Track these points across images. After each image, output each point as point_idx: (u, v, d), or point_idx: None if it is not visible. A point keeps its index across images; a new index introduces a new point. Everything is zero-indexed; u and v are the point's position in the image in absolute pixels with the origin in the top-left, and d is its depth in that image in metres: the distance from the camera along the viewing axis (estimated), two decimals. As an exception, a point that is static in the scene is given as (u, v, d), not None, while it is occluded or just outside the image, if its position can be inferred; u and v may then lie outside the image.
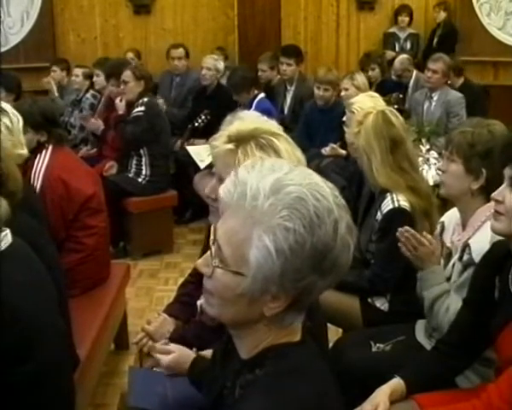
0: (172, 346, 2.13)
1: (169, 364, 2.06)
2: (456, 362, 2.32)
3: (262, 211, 1.21)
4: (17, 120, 2.98)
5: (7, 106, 3.04)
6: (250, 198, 1.23)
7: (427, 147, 4.99)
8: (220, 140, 1.86)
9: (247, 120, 1.95)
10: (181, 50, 7.50)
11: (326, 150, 5.51)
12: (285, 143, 1.84)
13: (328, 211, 1.23)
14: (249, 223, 1.22)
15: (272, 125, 1.93)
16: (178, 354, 2.06)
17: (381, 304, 3.03)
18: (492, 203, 2.14)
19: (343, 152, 5.22)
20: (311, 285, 1.24)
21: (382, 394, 2.23)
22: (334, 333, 3.21)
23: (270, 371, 1.27)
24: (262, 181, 1.24)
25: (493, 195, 2.09)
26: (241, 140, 1.82)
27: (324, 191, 1.25)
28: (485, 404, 2.01)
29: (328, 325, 2.92)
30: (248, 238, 1.22)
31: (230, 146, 1.83)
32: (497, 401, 1.97)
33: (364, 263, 3.15)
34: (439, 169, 2.65)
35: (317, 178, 1.29)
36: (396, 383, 2.27)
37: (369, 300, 3.05)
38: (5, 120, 2.87)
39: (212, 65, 6.63)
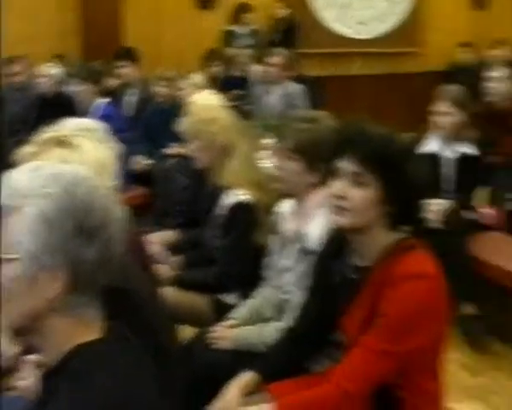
0: None
1: None
2: (305, 348, 2.35)
3: (22, 191, 1.22)
4: None
5: None
6: (9, 190, 1.23)
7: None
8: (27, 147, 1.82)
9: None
10: (16, 67, 6.90)
11: (168, 151, 5.49)
12: (92, 142, 1.83)
13: (83, 178, 1.28)
14: (14, 209, 1.22)
15: (89, 123, 1.93)
16: None
17: (231, 300, 3.01)
18: (324, 191, 2.16)
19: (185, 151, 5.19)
20: (80, 253, 1.23)
21: (234, 388, 2.22)
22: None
23: (63, 377, 1.24)
24: (20, 171, 1.28)
25: (334, 191, 2.01)
26: (45, 141, 1.80)
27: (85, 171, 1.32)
28: (335, 386, 2.04)
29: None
30: (13, 223, 1.21)
31: (33, 148, 1.79)
32: (344, 381, 2.02)
33: (212, 260, 3.14)
34: (275, 165, 2.63)
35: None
36: (248, 375, 2.27)
37: (219, 296, 3.05)
38: None
39: (46, 72, 6.49)
